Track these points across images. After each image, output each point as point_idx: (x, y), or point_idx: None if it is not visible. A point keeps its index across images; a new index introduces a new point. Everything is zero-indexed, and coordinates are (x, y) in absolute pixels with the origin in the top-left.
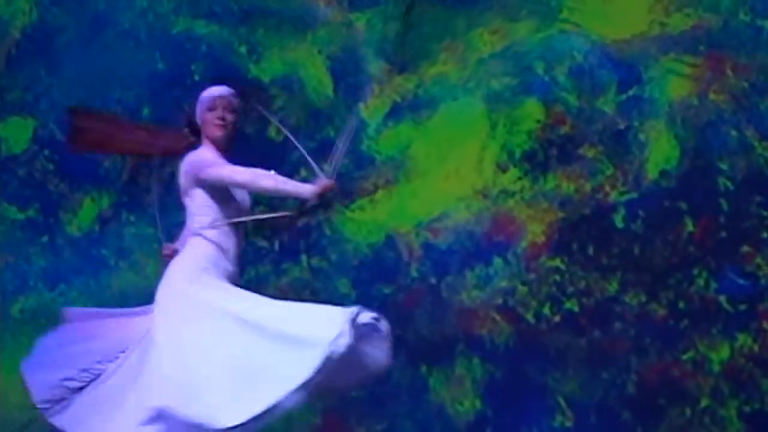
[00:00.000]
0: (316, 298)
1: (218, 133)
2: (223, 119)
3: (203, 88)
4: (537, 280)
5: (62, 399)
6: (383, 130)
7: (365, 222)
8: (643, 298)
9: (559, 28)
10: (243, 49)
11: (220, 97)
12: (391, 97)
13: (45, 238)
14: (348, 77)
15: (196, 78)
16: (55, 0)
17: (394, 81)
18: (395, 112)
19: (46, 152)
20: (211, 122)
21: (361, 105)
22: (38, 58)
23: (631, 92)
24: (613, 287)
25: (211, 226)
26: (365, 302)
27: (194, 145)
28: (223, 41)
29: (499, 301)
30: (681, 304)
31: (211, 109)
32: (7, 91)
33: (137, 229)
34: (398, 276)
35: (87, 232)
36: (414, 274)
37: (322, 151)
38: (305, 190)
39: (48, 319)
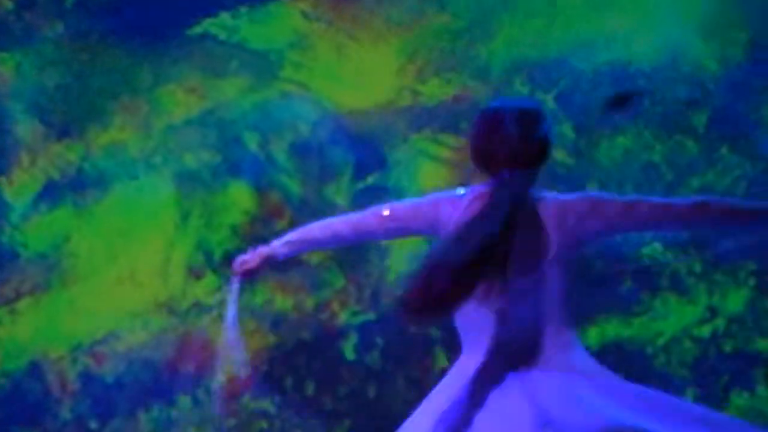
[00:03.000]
0: None
1: None
2: None
3: None
4: (237, 429)
5: None
6: (32, 215)
7: (1, 342)
8: None
9: (279, 90)
10: None
11: None
12: (46, 172)
13: None
14: None
15: None
16: None
17: (51, 149)
18: (50, 192)
19: None
20: None
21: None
22: None
23: (371, 179)
24: None
25: None
26: None
27: None
28: None
29: None
30: None
31: None
32: None
33: None
34: (45, 417)
35: None
36: (66, 415)
37: None
38: None
39: None
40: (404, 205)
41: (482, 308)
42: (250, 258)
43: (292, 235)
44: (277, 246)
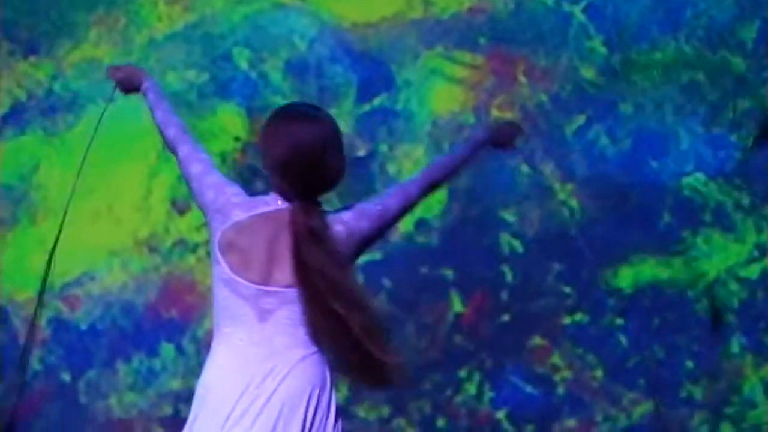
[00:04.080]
0: None
1: None
2: None
3: None
4: None
5: None
6: None
7: None
8: (385, 412)
9: (273, 1)
10: None
11: None
12: (11, 93)
13: None
14: None
15: None
16: None
17: (17, 68)
18: (16, 117)
19: None
20: None
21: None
22: None
23: (376, 102)
24: (340, 394)
25: None
26: None
27: None
28: None
29: (168, 410)
30: (440, 422)
31: None
32: None
33: None
34: (10, 368)
35: None
36: (36, 366)
37: None
38: None
39: None
40: (215, 176)
41: (248, 305)
42: (121, 68)
43: (155, 91)
44: (147, 86)
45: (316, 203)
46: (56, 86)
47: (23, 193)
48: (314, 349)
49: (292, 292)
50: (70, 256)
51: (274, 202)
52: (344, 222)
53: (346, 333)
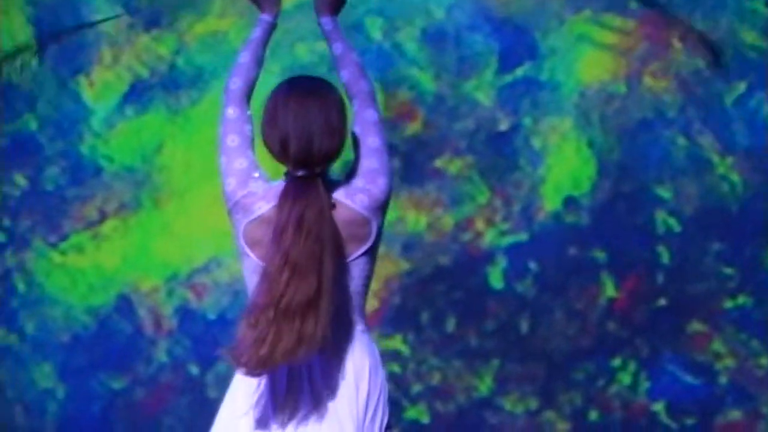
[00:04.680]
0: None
1: None
2: None
3: None
4: None
5: None
6: (117, 122)
7: (83, 272)
8: (533, 404)
9: None
10: None
11: None
12: (132, 70)
13: None
14: (62, 36)
15: None
16: None
17: (138, 42)
18: (138, 94)
19: None
20: None
21: None
22: None
23: (520, 72)
24: (485, 385)
25: None
26: (79, 404)
27: None
28: None
29: None
30: (592, 415)
31: None
32: None
33: None
34: (136, 361)
35: None
36: (163, 358)
37: None
38: None
39: None
40: (244, 160)
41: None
42: None
43: (263, 30)
44: (264, 18)
45: (323, 178)
46: (179, 61)
47: (146, 175)
48: (362, 326)
49: None
50: (195, 242)
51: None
52: (361, 190)
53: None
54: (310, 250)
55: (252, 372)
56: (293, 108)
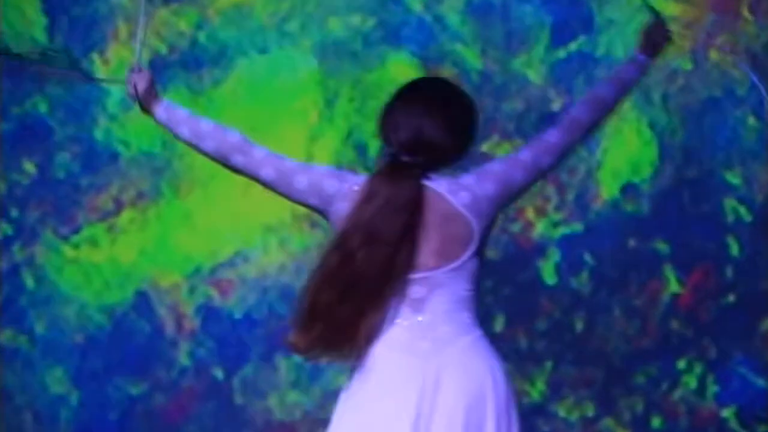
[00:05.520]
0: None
1: None
2: None
3: None
4: None
5: None
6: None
7: (97, 268)
8: (589, 411)
9: None
10: None
11: None
12: (151, 46)
13: None
14: (74, 9)
15: None
16: None
17: (156, 17)
18: (157, 73)
19: None
20: None
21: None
22: None
23: (573, 46)
24: (537, 390)
25: None
26: (94, 412)
27: None
28: None
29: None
30: (655, 422)
31: None
32: None
33: None
34: (156, 364)
35: None
36: (184, 361)
37: None
38: None
39: None
40: (295, 172)
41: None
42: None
43: (170, 107)
44: (161, 105)
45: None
46: (201, 37)
47: (166, 161)
48: (478, 332)
49: (441, 274)
50: (220, 234)
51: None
52: (467, 187)
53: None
54: (393, 225)
55: None
56: (417, 101)
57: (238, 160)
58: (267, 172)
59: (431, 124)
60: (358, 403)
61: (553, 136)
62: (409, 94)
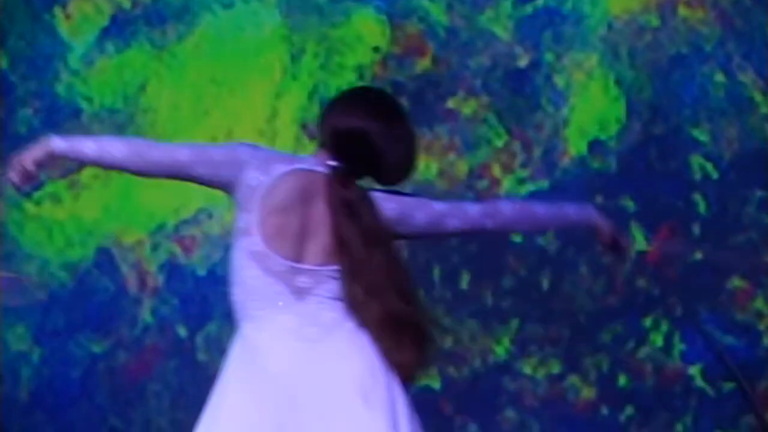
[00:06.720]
0: None
1: None
2: None
3: None
4: None
5: None
6: (97, 59)
7: (60, 225)
8: (555, 369)
9: None
10: None
11: None
12: (113, 1)
13: None
14: None
15: None
16: None
17: None
18: (119, 28)
19: None
20: None
21: None
22: None
23: (540, 2)
24: (502, 348)
25: None
26: (56, 369)
27: None
28: None
29: None
30: (621, 380)
31: None
32: None
33: None
34: (119, 322)
35: None
36: (148, 318)
37: None
38: None
39: None
40: (210, 146)
41: (279, 284)
42: (30, 154)
43: (75, 139)
44: (57, 140)
45: (357, 177)
46: None
47: (129, 116)
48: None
49: (328, 271)
50: (183, 191)
51: (313, 165)
52: (401, 203)
53: (361, 320)
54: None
55: None
56: (367, 110)
57: (153, 154)
58: (183, 152)
59: (376, 135)
60: (243, 387)
61: (472, 209)
62: (355, 104)
